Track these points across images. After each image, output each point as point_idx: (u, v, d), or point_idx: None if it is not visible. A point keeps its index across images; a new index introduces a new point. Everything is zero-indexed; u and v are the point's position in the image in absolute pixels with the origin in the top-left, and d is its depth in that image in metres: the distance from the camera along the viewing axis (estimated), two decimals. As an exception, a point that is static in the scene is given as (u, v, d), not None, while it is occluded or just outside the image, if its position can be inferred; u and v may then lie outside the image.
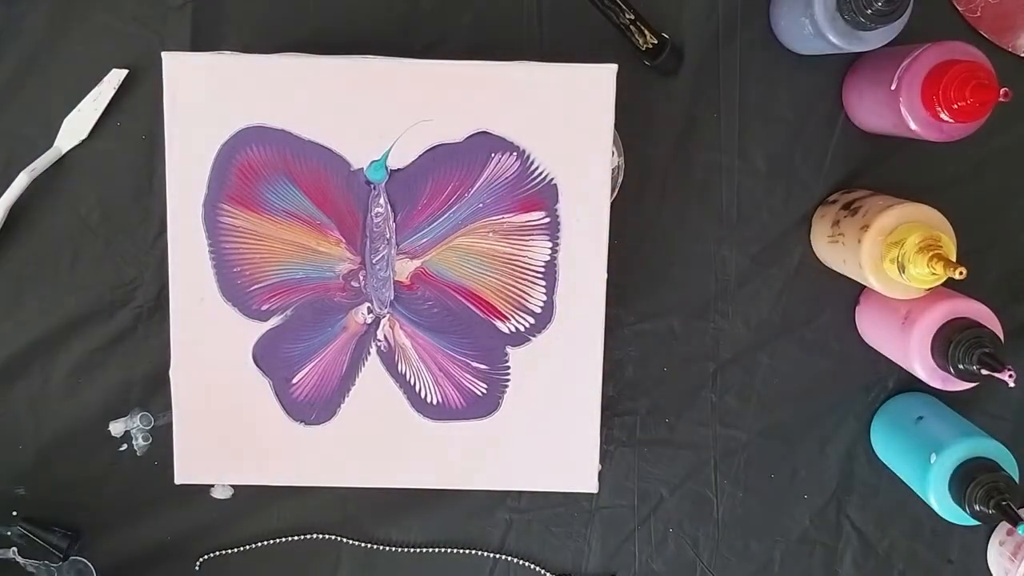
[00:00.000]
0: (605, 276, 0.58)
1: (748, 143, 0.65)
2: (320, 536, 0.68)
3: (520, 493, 0.68)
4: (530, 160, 0.56)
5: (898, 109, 0.56)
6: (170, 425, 0.58)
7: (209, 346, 0.58)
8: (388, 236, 0.57)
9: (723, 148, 0.65)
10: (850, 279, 0.63)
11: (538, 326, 0.58)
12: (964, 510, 0.57)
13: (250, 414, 0.59)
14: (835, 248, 0.62)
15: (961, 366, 0.56)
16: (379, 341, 0.58)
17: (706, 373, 0.68)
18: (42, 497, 0.67)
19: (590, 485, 0.60)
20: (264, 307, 0.58)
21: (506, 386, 0.59)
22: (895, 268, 0.55)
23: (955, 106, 0.53)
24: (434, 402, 0.59)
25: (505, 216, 0.57)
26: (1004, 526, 0.68)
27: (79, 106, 0.63)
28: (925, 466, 0.60)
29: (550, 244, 0.57)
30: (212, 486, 0.67)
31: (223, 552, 0.68)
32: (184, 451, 0.59)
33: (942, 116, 0.54)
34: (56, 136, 0.63)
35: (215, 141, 0.56)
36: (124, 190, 0.65)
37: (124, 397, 0.66)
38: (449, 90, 0.55)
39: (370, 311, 0.58)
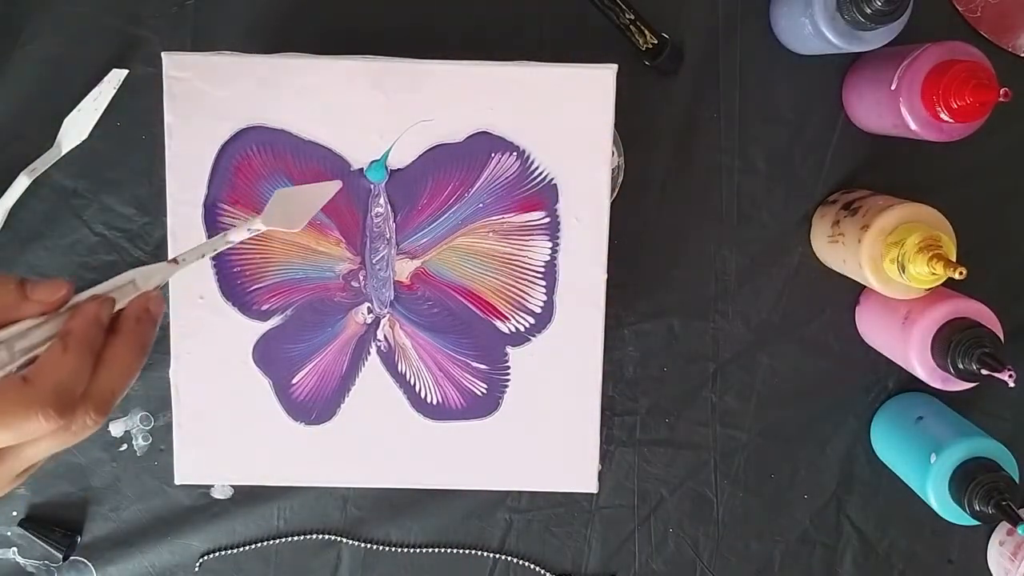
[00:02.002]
0: (605, 276, 0.58)
1: (748, 143, 0.66)
2: (320, 536, 0.68)
3: (520, 493, 0.68)
4: (530, 160, 0.56)
5: (898, 109, 0.56)
6: (170, 425, 0.59)
7: (209, 346, 0.58)
8: (388, 236, 0.57)
9: (723, 148, 0.65)
10: (850, 279, 0.63)
11: (538, 326, 0.58)
12: (964, 510, 0.57)
13: (250, 414, 0.59)
14: (835, 248, 0.62)
15: (961, 366, 0.56)
16: (379, 341, 0.58)
17: (706, 373, 0.68)
18: (42, 497, 0.67)
19: (590, 485, 0.60)
20: (264, 307, 0.58)
21: (506, 386, 0.59)
22: (895, 268, 0.55)
23: (955, 106, 0.53)
24: (434, 402, 0.59)
25: (505, 216, 0.57)
26: (1004, 526, 0.68)
27: (79, 106, 0.63)
28: (925, 466, 0.60)
29: (550, 244, 0.57)
30: (212, 486, 0.67)
31: (223, 552, 0.68)
32: (184, 451, 0.59)
33: (942, 116, 0.54)
34: (56, 136, 0.63)
35: (215, 141, 0.56)
36: (124, 190, 0.65)
37: (124, 397, 0.66)
38: (449, 90, 0.55)
39: (370, 311, 0.58)
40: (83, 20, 0.63)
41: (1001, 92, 0.51)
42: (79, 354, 0.37)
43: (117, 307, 0.40)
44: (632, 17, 0.62)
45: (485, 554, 0.69)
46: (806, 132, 0.66)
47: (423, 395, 0.59)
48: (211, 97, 0.55)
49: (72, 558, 0.67)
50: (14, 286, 0.37)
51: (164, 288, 0.59)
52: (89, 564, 0.68)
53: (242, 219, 0.56)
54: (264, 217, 0.47)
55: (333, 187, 0.51)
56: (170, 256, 0.50)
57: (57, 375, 0.36)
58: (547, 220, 0.57)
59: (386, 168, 0.56)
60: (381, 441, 0.59)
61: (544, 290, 0.58)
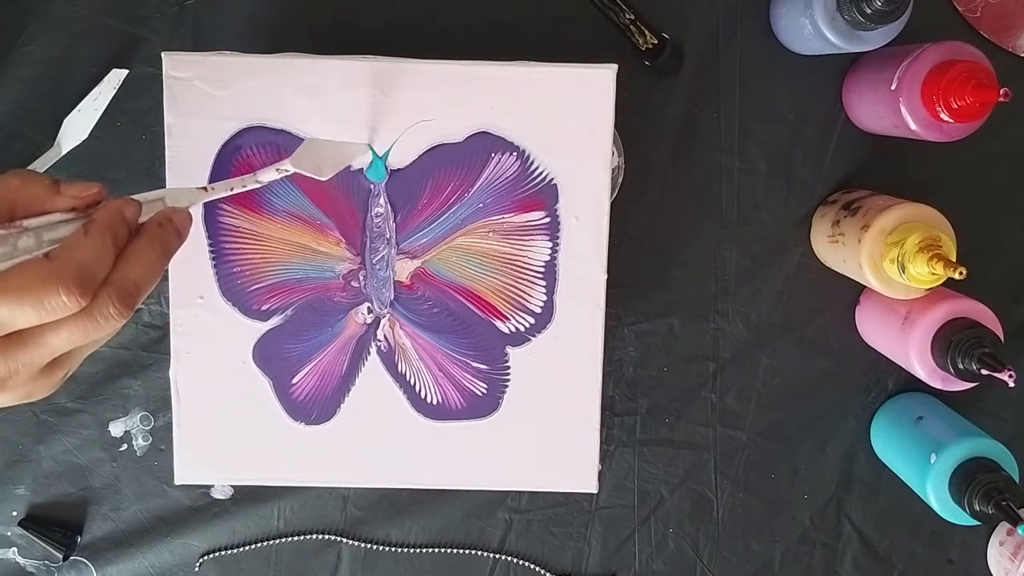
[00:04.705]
0: (605, 276, 0.58)
1: (748, 143, 0.66)
2: (320, 536, 0.68)
3: (520, 493, 0.68)
4: (530, 160, 0.56)
5: (898, 109, 0.56)
6: (170, 425, 0.58)
7: (209, 346, 0.58)
8: (388, 236, 0.57)
9: (723, 148, 0.65)
10: (850, 279, 0.63)
11: (538, 326, 0.58)
12: (964, 510, 0.57)
13: (250, 414, 0.59)
14: (835, 248, 0.62)
15: (961, 366, 0.56)
16: (379, 341, 0.58)
17: (706, 373, 0.68)
18: (42, 497, 0.67)
19: (590, 485, 0.60)
20: (264, 307, 0.58)
21: (506, 386, 0.59)
22: (895, 268, 0.55)
23: (955, 106, 0.53)
24: (434, 402, 0.59)
25: (505, 216, 0.57)
26: (1004, 526, 0.68)
27: (79, 106, 0.63)
28: (925, 466, 0.60)
29: (550, 244, 0.57)
30: (212, 486, 0.67)
31: (223, 552, 0.68)
32: (184, 451, 0.59)
33: (942, 116, 0.54)
34: (56, 136, 0.63)
35: (215, 141, 0.56)
36: (124, 191, 0.64)
37: (124, 397, 0.66)
38: (449, 90, 0.55)
39: (370, 311, 0.58)
40: (83, 20, 0.63)
41: (1001, 92, 0.51)
42: (101, 239, 0.38)
43: (143, 219, 0.41)
44: (632, 17, 0.62)
45: (485, 554, 0.69)
46: (806, 132, 0.66)
47: (423, 395, 0.59)
48: (211, 97, 0.55)
49: (72, 558, 0.67)
50: (49, 182, 0.39)
51: (165, 288, 0.59)
52: (89, 564, 0.68)
53: (242, 217, 0.56)
54: (293, 159, 0.49)
55: (361, 148, 0.54)
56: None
57: (79, 255, 0.37)
58: (547, 220, 0.57)
59: (386, 168, 0.56)
60: (381, 441, 0.59)
61: (544, 290, 0.58)
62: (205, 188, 0.46)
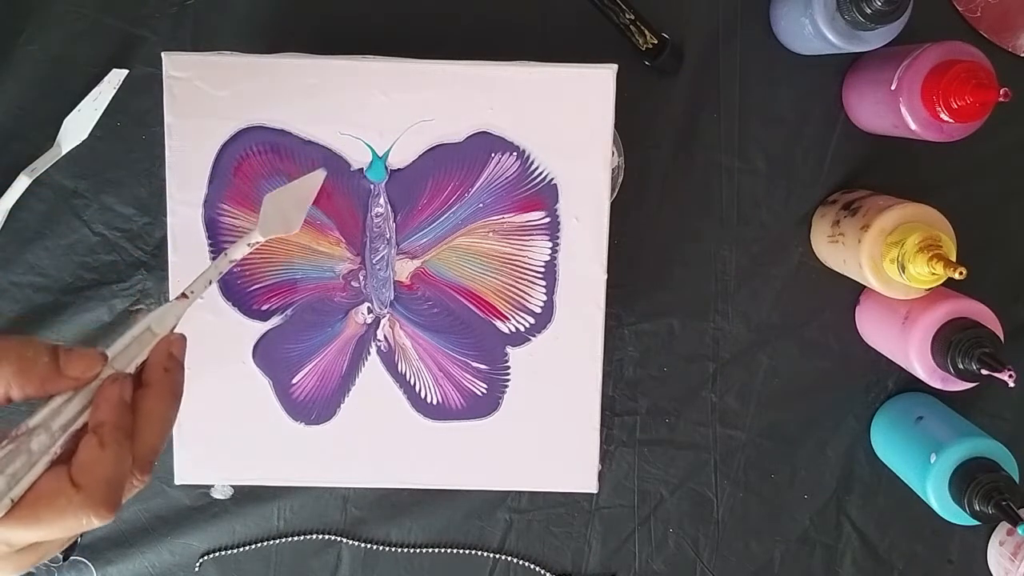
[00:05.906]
0: (605, 276, 0.58)
1: (748, 143, 0.66)
2: (320, 536, 0.68)
3: (520, 493, 0.68)
4: (530, 160, 0.56)
5: (898, 109, 0.56)
6: (170, 425, 0.59)
7: (209, 346, 0.58)
8: (388, 236, 0.57)
9: (723, 148, 0.65)
10: (850, 279, 0.63)
11: (538, 326, 0.58)
12: (964, 510, 0.57)
13: (250, 414, 0.59)
14: (835, 248, 0.62)
15: (961, 366, 0.56)
16: (379, 341, 0.58)
17: (706, 373, 0.68)
18: (42, 497, 0.67)
19: (590, 485, 0.60)
20: (264, 307, 0.58)
21: (506, 386, 0.59)
22: (895, 268, 0.55)
23: (955, 106, 0.53)
24: (434, 402, 0.59)
25: (505, 216, 0.57)
26: (1004, 526, 0.68)
27: (79, 106, 0.63)
28: (925, 466, 0.60)
29: (550, 244, 0.57)
30: (212, 486, 0.67)
31: (223, 552, 0.68)
32: (184, 451, 0.59)
33: (942, 116, 0.54)
34: (56, 136, 0.63)
35: (215, 141, 0.56)
36: (124, 190, 0.65)
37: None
38: (449, 90, 0.55)
39: (370, 311, 0.58)
40: (83, 20, 0.63)
41: (1001, 92, 0.51)
42: (117, 444, 0.37)
43: (139, 359, 0.41)
44: (632, 17, 0.62)
45: (485, 554, 0.69)
46: (806, 132, 0.66)
47: (423, 395, 0.59)
48: (211, 97, 0.55)
49: (72, 558, 0.67)
50: (48, 359, 0.37)
51: (165, 288, 0.59)
52: (89, 564, 0.68)
53: (242, 217, 0.56)
54: (261, 227, 0.49)
55: (318, 176, 0.54)
56: (171, 284, 0.54)
57: (103, 472, 0.37)
58: (547, 220, 0.57)
59: (386, 168, 0.56)
60: (381, 441, 0.59)
61: (544, 290, 0.58)
62: (184, 295, 0.44)
